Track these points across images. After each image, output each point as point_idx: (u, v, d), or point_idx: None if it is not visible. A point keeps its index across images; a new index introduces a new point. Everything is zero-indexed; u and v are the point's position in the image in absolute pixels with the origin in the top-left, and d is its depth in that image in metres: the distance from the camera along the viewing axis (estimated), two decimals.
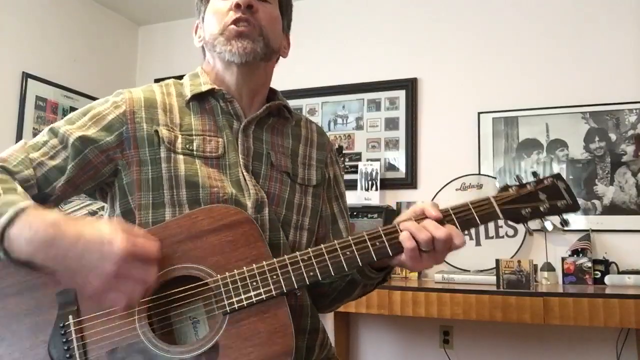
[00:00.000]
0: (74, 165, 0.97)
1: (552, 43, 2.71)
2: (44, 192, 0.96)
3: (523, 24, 2.78)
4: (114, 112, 1.01)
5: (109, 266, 0.78)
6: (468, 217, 0.94)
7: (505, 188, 0.98)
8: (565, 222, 1.01)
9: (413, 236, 0.90)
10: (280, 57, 1.15)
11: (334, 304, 1.14)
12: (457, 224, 0.93)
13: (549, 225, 1.02)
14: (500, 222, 2.62)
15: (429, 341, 2.70)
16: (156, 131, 1.00)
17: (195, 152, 1.00)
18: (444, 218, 0.93)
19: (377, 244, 0.91)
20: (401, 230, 0.91)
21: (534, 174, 1.01)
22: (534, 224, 0.99)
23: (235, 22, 1.02)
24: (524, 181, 1.00)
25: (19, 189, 0.89)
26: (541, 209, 0.96)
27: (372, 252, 0.91)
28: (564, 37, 2.70)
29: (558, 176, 0.99)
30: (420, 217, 0.93)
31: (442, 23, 2.94)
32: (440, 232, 0.89)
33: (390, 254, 0.91)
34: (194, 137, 1.02)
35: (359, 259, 0.91)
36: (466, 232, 0.94)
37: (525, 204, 0.96)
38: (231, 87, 1.07)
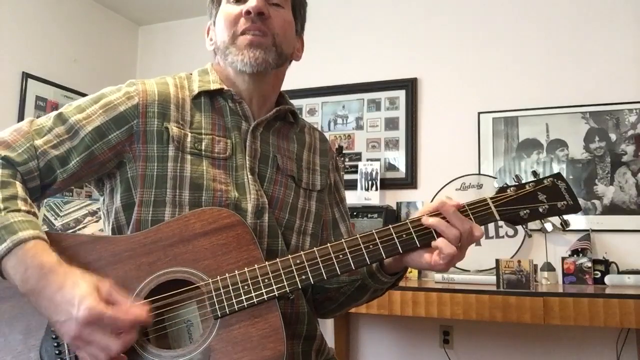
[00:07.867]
0: (79, 160, 0.95)
1: (552, 43, 2.71)
2: (45, 182, 0.95)
3: (523, 24, 2.78)
4: (126, 103, 0.98)
5: (72, 328, 0.78)
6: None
7: (503, 189, 0.96)
8: (565, 224, 0.99)
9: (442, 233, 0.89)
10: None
11: (341, 308, 1.12)
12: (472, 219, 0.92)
13: (548, 227, 1.00)
14: (501, 222, 2.62)
15: (429, 341, 2.70)
16: (166, 128, 0.98)
17: (203, 152, 0.99)
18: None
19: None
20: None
21: (534, 173, 0.98)
22: (534, 225, 0.98)
23: (246, 31, 0.99)
24: (524, 181, 0.97)
25: (20, 191, 0.88)
26: (540, 210, 0.93)
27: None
28: (564, 37, 2.70)
29: (558, 176, 0.96)
30: (436, 213, 0.91)
31: (442, 23, 2.94)
32: (466, 224, 0.89)
33: (418, 244, 0.90)
34: (204, 136, 1.00)
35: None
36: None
37: (524, 205, 0.93)
38: (242, 92, 1.06)
